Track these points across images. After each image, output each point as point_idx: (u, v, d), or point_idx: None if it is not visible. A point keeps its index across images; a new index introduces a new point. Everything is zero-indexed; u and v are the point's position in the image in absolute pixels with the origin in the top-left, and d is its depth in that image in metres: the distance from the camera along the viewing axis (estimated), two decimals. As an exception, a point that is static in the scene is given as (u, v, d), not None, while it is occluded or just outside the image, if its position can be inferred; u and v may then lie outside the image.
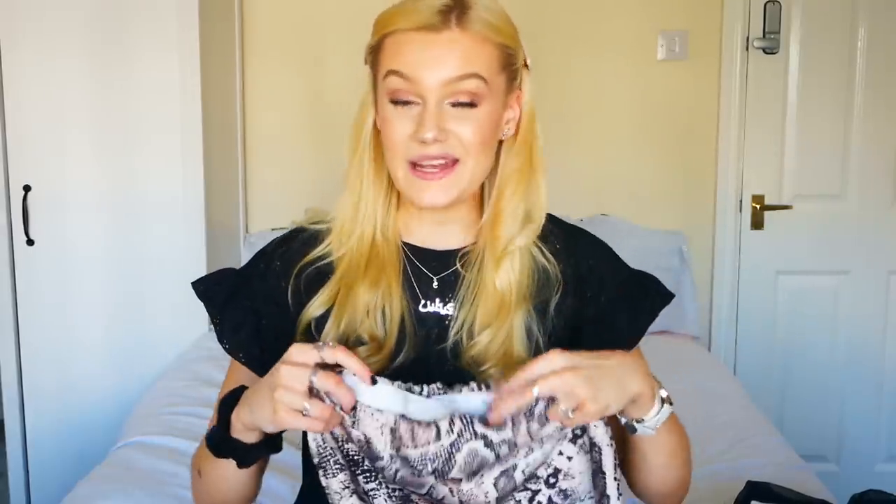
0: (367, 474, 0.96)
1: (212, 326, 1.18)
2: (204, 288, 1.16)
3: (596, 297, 1.15)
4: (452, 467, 0.95)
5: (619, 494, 0.97)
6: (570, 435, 0.96)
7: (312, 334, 1.09)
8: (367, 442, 0.94)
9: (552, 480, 0.97)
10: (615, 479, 0.97)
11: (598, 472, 0.97)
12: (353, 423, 0.94)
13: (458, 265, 1.12)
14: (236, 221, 3.01)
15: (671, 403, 1.02)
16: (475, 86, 1.02)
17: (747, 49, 2.98)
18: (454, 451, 0.94)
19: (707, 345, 3.10)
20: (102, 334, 2.70)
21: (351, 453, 0.95)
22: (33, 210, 2.64)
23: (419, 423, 0.94)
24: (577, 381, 0.91)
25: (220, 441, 1.03)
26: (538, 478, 0.97)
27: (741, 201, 3.06)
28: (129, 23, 2.58)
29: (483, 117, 1.04)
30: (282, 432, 1.01)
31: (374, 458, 0.95)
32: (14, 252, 2.66)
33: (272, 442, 1.02)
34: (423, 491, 0.96)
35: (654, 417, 1.00)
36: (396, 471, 0.95)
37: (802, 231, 3.06)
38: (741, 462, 1.97)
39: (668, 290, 1.18)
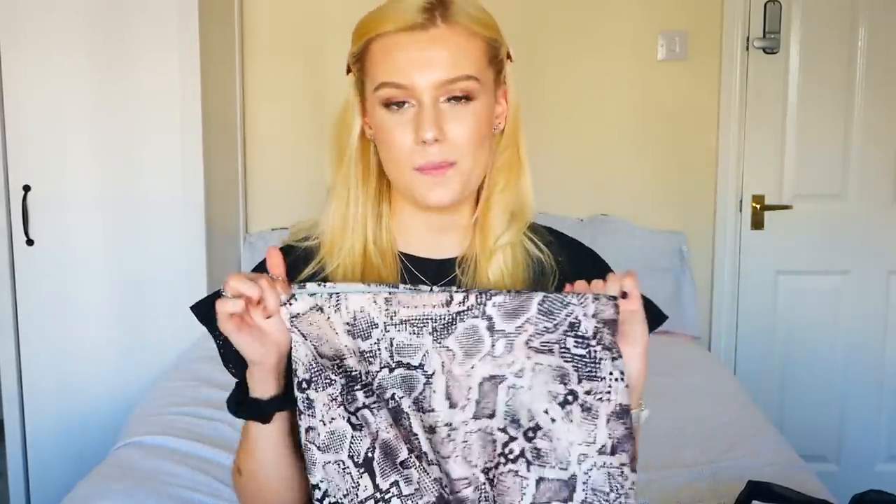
0: (367, 389, 0.97)
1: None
2: (204, 310, 1.12)
3: None
4: (451, 333, 0.96)
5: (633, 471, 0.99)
6: (560, 397, 0.96)
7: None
8: (360, 312, 0.95)
9: (530, 434, 0.97)
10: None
11: (629, 438, 0.97)
12: (337, 305, 0.95)
13: (456, 272, 1.11)
14: (236, 221, 3.01)
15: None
16: (468, 86, 1.03)
17: (747, 49, 2.98)
18: (458, 319, 0.96)
19: (707, 345, 3.10)
20: (102, 334, 2.70)
21: (349, 369, 0.96)
22: (33, 210, 2.64)
23: (424, 288, 0.97)
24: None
25: (238, 403, 1.03)
26: (519, 425, 0.97)
27: (741, 201, 3.06)
28: (130, 23, 2.58)
29: (478, 113, 1.04)
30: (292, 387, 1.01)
31: (369, 328, 0.95)
32: (14, 252, 2.66)
33: (286, 396, 1.01)
34: (416, 361, 0.96)
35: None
36: (391, 340, 0.96)
37: (802, 231, 3.06)
38: (741, 462, 1.97)
39: (661, 312, 1.17)
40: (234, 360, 1.11)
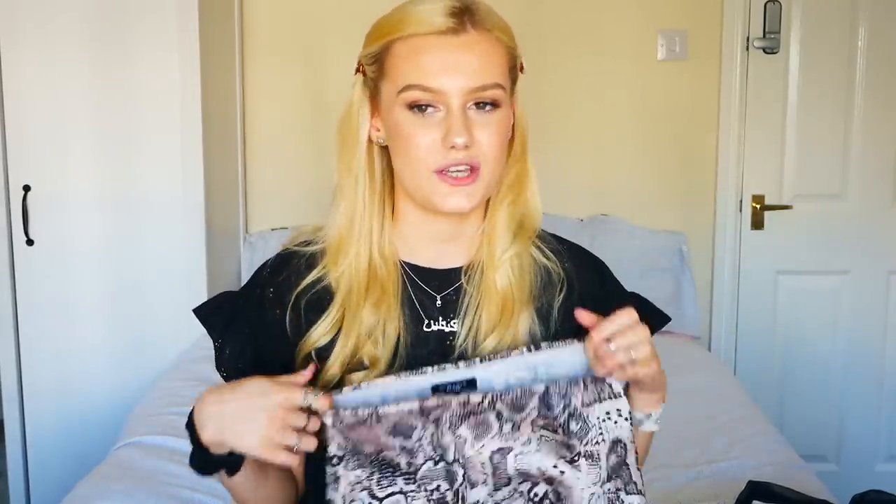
0: (408, 477, 0.98)
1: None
2: (205, 313, 1.14)
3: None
4: (464, 422, 0.98)
5: (643, 483, 1.04)
6: (567, 457, 1.00)
7: (314, 361, 1.06)
8: (399, 420, 0.97)
9: (548, 485, 1.00)
10: (638, 469, 1.04)
11: (622, 464, 1.02)
12: (378, 419, 0.97)
13: (462, 280, 1.10)
14: (236, 221, 3.01)
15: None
16: (496, 94, 1.02)
17: (747, 49, 2.98)
18: (471, 413, 0.98)
19: (707, 345, 3.10)
20: (102, 334, 2.70)
21: (388, 458, 0.97)
22: (33, 210, 2.64)
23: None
24: (643, 339, 0.99)
25: (202, 462, 1.02)
26: (530, 476, 1.00)
27: (741, 201, 3.06)
28: (130, 23, 2.58)
29: (501, 121, 1.04)
30: None
31: (410, 429, 0.97)
32: (14, 252, 2.66)
33: None
34: (450, 457, 0.98)
35: (659, 413, 1.08)
36: (431, 434, 0.97)
37: (802, 231, 3.06)
38: (741, 462, 1.98)
39: (665, 314, 1.18)
40: (227, 366, 1.11)
